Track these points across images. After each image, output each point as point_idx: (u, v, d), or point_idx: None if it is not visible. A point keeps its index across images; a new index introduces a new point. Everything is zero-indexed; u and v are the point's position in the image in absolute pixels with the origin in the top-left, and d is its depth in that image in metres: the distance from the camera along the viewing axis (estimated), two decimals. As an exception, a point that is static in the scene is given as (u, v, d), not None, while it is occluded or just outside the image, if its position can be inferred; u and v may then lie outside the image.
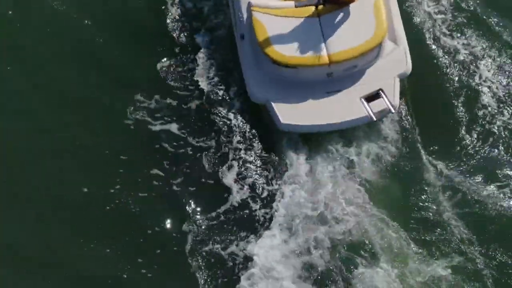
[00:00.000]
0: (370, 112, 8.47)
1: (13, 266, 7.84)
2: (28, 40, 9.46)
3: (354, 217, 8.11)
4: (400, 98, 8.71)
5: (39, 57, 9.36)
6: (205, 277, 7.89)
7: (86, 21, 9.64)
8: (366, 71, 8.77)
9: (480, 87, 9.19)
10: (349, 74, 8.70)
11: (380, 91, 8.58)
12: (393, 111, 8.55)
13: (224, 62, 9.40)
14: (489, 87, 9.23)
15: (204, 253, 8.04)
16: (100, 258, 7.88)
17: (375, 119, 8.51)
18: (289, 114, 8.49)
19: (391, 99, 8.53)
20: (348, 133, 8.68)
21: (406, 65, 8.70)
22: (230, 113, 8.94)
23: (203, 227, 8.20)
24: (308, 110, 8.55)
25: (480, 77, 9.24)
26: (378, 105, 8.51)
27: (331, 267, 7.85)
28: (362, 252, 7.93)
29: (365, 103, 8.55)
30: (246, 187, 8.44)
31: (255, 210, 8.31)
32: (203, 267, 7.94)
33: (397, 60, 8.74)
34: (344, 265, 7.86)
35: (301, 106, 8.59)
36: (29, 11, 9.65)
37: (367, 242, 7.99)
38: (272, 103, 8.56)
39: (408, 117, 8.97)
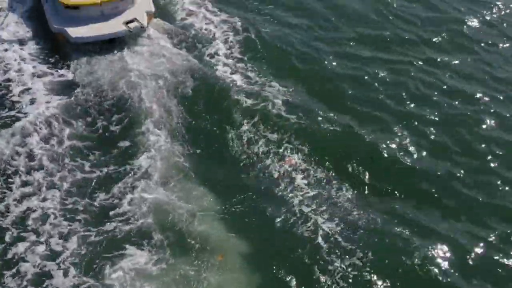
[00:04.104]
0: (129, 27, 19.64)
1: None
2: None
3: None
4: (148, 24, 19.12)
5: None
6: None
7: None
8: (126, 10, 18.98)
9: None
10: (116, 11, 18.65)
11: (135, 19, 18.22)
12: (144, 28, 18.90)
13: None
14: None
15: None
16: None
17: (131, 31, 19.29)
18: (79, 32, 18.12)
19: (142, 22, 18.49)
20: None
21: (150, 6, 20.76)
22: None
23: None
24: (92, 30, 18.38)
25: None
26: (134, 25, 19.09)
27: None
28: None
29: (126, 24, 19.96)
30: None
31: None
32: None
33: (145, 4, 20.36)
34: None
35: (87, 27, 18.70)
36: None
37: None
38: (66, 28, 18.04)
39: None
